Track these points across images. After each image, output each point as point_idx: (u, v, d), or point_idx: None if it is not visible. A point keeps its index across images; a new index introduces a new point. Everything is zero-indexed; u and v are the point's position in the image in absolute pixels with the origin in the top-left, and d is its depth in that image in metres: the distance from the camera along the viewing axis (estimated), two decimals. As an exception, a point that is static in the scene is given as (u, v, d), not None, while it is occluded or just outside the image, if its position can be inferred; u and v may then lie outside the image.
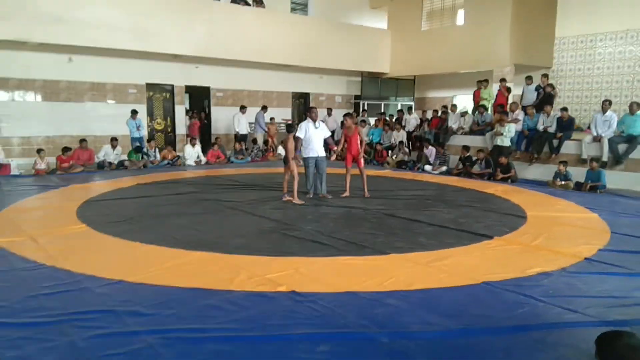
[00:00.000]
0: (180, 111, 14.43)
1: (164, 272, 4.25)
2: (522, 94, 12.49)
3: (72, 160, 11.06)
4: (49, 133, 12.12)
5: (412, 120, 14.22)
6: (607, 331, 1.93)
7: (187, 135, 14.01)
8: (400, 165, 12.64)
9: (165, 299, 3.65)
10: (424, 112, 15.15)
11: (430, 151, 12.15)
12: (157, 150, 12.55)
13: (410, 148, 13.57)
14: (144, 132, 12.89)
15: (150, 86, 13.73)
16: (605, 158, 9.51)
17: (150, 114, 14.00)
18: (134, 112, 12.42)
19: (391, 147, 13.66)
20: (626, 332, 1.93)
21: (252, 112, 14.58)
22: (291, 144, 7.73)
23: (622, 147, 9.46)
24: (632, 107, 9.56)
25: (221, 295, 3.73)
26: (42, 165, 10.62)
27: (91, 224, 5.98)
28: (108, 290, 3.82)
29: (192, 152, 12.78)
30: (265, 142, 14.63)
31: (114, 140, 11.83)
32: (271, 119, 14.76)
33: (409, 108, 15.62)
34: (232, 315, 3.39)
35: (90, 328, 3.14)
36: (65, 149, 11.02)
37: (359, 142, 8.33)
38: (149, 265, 4.41)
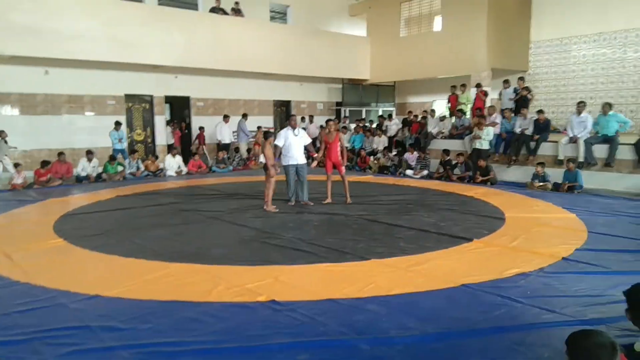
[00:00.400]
0: (160, 122, 14.31)
1: (141, 285, 4.19)
2: (500, 98, 12.70)
3: (50, 174, 10.88)
4: (26, 147, 11.90)
5: (392, 126, 14.33)
6: (577, 330, 1.94)
7: (197, 147, 14.11)
8: (382, 170, 12.70)
9: (142, 312, 3.60)
10: (409, 112, 15.28)
11: (412, 156, 12.24)
12: (139, 161, 12.41)
13: (392, 153, 13.63)
14: (126, 144, 12.77)
15: (129, 97, 13.59)
16: (581, 159, 9.68)
17: (130, 125, 13.86)
18: (118, 124, 12.34)
19: (373, 153, 13.73)
20: (596, 330, 1.94)
21: (234, 121, 14.54)
22: (268, 151, 7.71)
23: (603, 151, 9.59)
24: (605, 108, 9.76)
25: (199, 307, 3.69)
26: (19, 180, 10.41)
27: (68, 238, 5.88)
28: (83, 306, 3.75)
29: (172, 163, 12.67)
30: (248, 150, 14.59)
31: (89, 154, 11.66)
32: (258, 127, 14.75)
33: (389, 115, 15.69)
34: (211, 327, 3.35)
35: (63, 345, 3.08)
36: (44, 163, 10.85)
37: (339, 148, 8.34)
38: (126, 279, 4.34)
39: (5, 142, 10.89)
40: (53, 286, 4.16)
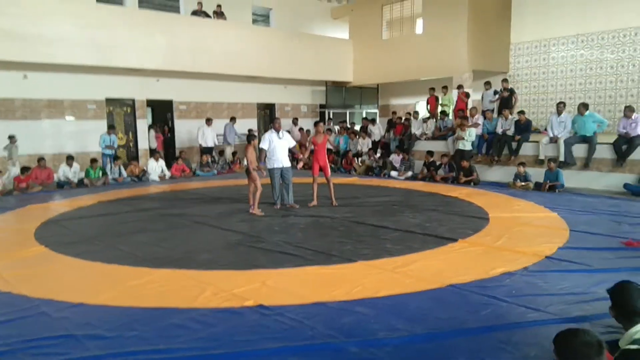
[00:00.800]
0: (142, 125, 14.16)
1: (126, 292, 4.14)
2: (482, 99, 12.87)
3: (30, 180, 10.67)
4: (4, 153, 11.67)
5: (375, 130, 14.31)
6: (564, 330, 1.98)
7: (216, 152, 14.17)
8: (367, 172, 12.75)
9: (128, 320, 3.55)
10: (393, 112, 15.47)
11: (397, 157, 12.33)
12: (121, 167, 12.22)
13: (377, 155, 13.69)
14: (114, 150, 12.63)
15: (110, 101, 13.43)
16: (562, 158, 9.83)
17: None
18: (111, 127, 12.31)
19: (358, 155, 13.78)
20: (582, 329, 1.98)
21: (217, 124, 14.48)
22: (250, 154, 7.67)
23: (582, 151, 9.73)
24: (580, 109, 9.92)
25: (186, 313, 3.65)
26: (-3, 187, 10.20)
27: (50, 246, 5.77)
28: (67, 314, 3.68)
29: (155, 167, 12.54)
30: (233, 153, 14.51)
31: (69, 159, 11.47)
32: (249, 130, 14.68)
33: (372, 120, 15.59)
34: (197, 333, 3.31)
35: (48, 355, 3.03)
36: (24, 169, 10.65)
37: (326, 150, 8.35)
38: (110, 286, 4.28)
39: (16, 147, 11.18)
40: (35, 295, 4.08)
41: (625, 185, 8.88)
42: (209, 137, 13.99)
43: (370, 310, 3.65)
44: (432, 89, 13.80)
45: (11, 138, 11.15)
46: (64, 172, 11.35)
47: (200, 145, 13.88)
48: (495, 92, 12.52)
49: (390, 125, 14.21)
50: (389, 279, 4.39)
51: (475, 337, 3.21)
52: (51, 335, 3.31)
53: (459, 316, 3.52)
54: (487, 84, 12.82)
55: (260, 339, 3.21)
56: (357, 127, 15.77)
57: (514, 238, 5.76)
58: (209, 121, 13.94)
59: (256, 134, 13.13)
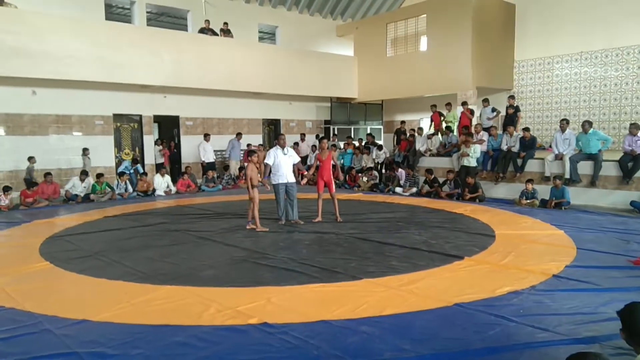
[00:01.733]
0: (149, 141, 14.26)
1: (130, 309, 4.11)
2: (480, 116, 12.91)
3: (37, 195, 10.72)
4: (12, 167, 11.77)
5: (381, 155, 14.17)
6: (575, 353, 1.95)
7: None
8: (371, 188, 12.73)
9: (132, 337, 3.52)
10: (402, 122, 15.64)
11: (401, 173, 12.32)
12: (127, 183, 12.26)
13: (381, 172, 13.65)
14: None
15: (117, 117, 13.55)
16: (567, 175, 9.78)
17: (118, 145, 13.80)
18: (135, 162, 13.01)
19: (362, 171, 13.77)
20: (594, 353, 1.95)
21: (221, 139, 14.54)
22: (250, 171, 7.66)
23: (588, 168, 9.69)
24: (584, 126, 9.87)
25: (190, 330, 3.63)
26: (5, 201, 10.23)
27: (55, 261, 5.77)
28: (71, 332, 3.66)
29: (161, 182, 12.58)
30: (240, 168, 14.55)
31: (82, 174, 11.53)
32: (260, 145, 14.75)
33: (380, 146, 15.30)
34: (201, 351, 3.28)
35: (51, 373, 3.00)
36: (32, 184, 10.70)
37: (331, 166, 8.36)
38: (115, 303, 4.25)
39: (89, 158, 12.35)
40: (39, 311, 4.07)
41: (632, 203, 8.81)
42: (210, 152, 14.07)
43: (376, 330, 3.61)
44: (434, 106, 13.86)
45: (85, 150, 12.40)
46: (74, 184, 11.37)
47: (203, 162, 13.94)
48: (493, 110, 12.57)
49: (398, 136, 14.22)
50: (395, 297, 4.34)
51: (483, 357, 3.16)
52: (54, 353, 3.29)
53: (465, 336, 3.48)
54: (485, 101, 12.86)
55: (264, 358, 3.18)
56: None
57: (521, 256, 5.71)
58: (206, 137, 14.06)
59: (255, 149, 13.16)
